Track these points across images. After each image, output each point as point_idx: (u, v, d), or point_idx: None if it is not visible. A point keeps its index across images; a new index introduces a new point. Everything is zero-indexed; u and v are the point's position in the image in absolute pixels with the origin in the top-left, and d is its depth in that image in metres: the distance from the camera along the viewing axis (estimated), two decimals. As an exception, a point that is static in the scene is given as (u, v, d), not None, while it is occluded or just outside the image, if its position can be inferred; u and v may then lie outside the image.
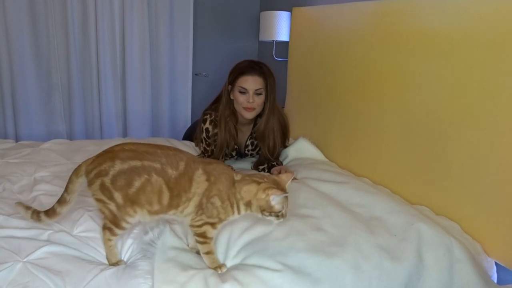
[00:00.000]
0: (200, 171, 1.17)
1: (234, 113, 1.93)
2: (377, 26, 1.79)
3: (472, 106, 1.37)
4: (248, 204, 1.16)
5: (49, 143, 2.20)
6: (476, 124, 1.37)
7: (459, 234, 1.40)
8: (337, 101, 2.07)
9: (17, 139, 2.80)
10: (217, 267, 1.19)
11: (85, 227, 1.37)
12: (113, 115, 3.01)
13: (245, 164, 2.04)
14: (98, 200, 1.19)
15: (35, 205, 1.50)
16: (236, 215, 1.19)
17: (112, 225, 1.20)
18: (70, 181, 1.23)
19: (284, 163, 2.04)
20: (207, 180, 1.16)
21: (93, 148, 2.15)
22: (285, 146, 2.10)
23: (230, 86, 1.90)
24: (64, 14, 2.75)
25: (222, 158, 1.91)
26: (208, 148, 1.93)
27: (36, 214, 1.26)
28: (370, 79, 1.83)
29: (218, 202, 1.16)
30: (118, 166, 1.15)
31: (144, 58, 2.97)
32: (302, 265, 1.20)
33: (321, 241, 1.31)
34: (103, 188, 1.16)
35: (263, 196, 1.12)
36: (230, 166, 1.23)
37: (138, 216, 1.20)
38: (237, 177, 1.19)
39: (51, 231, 1.32)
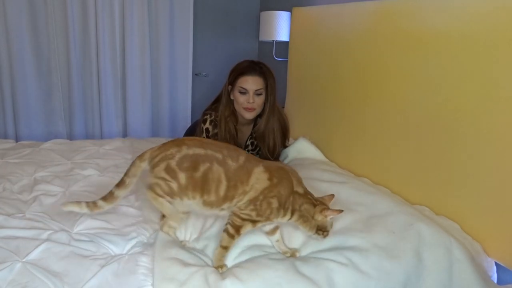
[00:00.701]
0: (261, 168, 1.21)
1: (234, 113, 1.93)
2: (377, 26, 1.79)
3: (472, 106, 1.37)
4: (303, 219, 1.21)
5: (49, 143, 2.21)
6: (476, 124, 1.37)
7: (459, 234, 1.40)
8: (337, 101, 2.07)
9: (17, 139, 2.80)
10: (219, 266, 1.20)
11: (85, 226, 1.37)
12: (113, 115, 3.01)
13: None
14: (159, 178, 1.22)
15: (35, 205, 1.50)
16: (285, 220, 1.22)
17: (166, 195, 1.22)
18: (133, 164, 1.26)
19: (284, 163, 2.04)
20: (269, 179, 1.20)
21: (93, 148, 2.15)
22: (285, 146, 2.10)
23: (230, 86, 1.90)
24: (64, 14, 2.75)
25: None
26: (208, 148, 1.93)
27: (92, 204, 1.26)
28: (370, 79, 1.84)
29: (275, 204, 1.19)
30: (184, 151, 1.21)
31: (144, 58, 2.97)
32: (301, 265, 1.20)
33: (320, 241, 1.31)
34: (169, 169, 1.20)
35: (320, 217, 1.20)
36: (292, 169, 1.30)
37: (193, 203, 1.22)
38: (299, 189, 1.23)
39: (51, 231, 1.32)
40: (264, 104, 1.90)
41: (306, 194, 1.24)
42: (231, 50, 3.37)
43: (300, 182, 1.26)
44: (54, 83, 2.85)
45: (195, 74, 3.27)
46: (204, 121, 1.92)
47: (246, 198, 1.19)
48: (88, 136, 3.01)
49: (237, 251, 1.27)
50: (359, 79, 1.91)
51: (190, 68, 3.12)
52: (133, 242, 1.31)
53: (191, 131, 2.35)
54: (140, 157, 1.27)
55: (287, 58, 2.62)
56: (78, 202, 1.27)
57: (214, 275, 1.14)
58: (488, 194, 1.35)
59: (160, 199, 1.24)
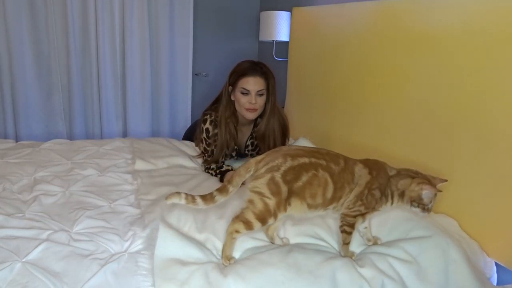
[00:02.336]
0: (361, 165, 1.29)
1: (234, 113, 1.93)
2: (377, 26, 1.79)
3: (472, 105, 1.37)
4: (402, 195, 1.28)
5: (49, 143, 2.20)
6: (475, 123, 1.37)
7: (457, 232, 1.40)
8: (337, 101, 2.07)
9: (17, 139, 2.80)
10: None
11: (84, 225, 1.37)
12: (113, 115, 3.02)
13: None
14: (256, 192, 1.22)
15: (35, 205, 1.50)
16: (388, 205, 1.30)
17: (256, 219, 1.21)
18: (239, 174, 1.26)
19: (284, 163, 2.03)
20: (370, 173, 1.28)
21: (93, 148, 2.15)
22: (285, 146, 2.10)
23: (230, 87, 1.90)
24: (64, 14, 2.76)
25: (222, 158, 1.91)
26: (208, 148, 1.93)
27: (191, 197, 1.25)
28: (370, 79, 1.84)
29: (378, 194, 1.27)
30: (289, 162, 1.23)
31: (144, 58, 2.97)
32: (303, 263, 1.21)
33: (321, 240, 1.32)
34: (272, 182, 1.21)
35: (416, 188, 1.26)
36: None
37: (290, 211, 1.24)
38: (392, 172, 1.32)
39: (51, 231, 1.32)
40: (265, 104, 1.90)
41: (400, 172, 1.31)
42: (231, 50, 3.38)
43: (391, 166, 1.33)
44: (54, 83, 2.86)
45: (195, 74, 3.27)
46: (204, 121, 1.92)
47: (353, 194, 1.27)
48: (88, 136, 3.02)
49: (237, 254, 1.27)
50: (359, 78, 1.91)
51: (190, 68, 3.13)
52: (132, 241, 1.30)
53: (191, 131, 2.35)
54: (245, 168, 1.27)
55: (287, 58, 2.62)
56: (179, 193, 1.25)
57: (215, 273, 1.14)
58: (488, 193, 1.35)
59: (237, 234, 1.23)
